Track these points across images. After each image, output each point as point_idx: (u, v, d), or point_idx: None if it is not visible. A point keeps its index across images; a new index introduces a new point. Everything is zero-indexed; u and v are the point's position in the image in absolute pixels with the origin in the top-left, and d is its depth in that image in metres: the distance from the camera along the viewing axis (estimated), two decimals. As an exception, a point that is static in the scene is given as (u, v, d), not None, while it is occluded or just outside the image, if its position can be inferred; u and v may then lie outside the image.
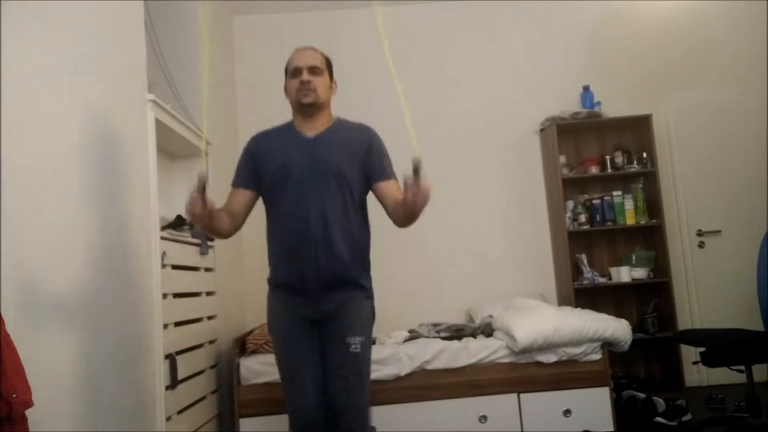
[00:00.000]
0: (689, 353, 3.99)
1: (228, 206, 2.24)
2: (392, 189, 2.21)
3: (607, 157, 4.35)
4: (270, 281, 2.28)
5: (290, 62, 2.25)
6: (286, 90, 2.27)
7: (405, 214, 2.06)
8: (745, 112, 4.46)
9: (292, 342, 2.18)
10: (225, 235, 2.26)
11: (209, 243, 3.23)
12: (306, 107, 2.21)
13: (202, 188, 1.91)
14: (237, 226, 2.26)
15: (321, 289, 2.14)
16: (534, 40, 4.57)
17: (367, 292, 2.25)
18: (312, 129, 2.23)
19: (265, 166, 2.22)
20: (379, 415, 3.15)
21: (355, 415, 2.11)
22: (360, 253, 2.23)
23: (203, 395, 3.02)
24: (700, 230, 4.42)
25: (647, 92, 4.49)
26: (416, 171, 1.81)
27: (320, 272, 2.12)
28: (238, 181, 2.28)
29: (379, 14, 1.94)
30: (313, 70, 2.19)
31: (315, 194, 2.13)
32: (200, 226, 2.13)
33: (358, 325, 2.16)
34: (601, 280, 4.22)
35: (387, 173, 2.24)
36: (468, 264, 4.37)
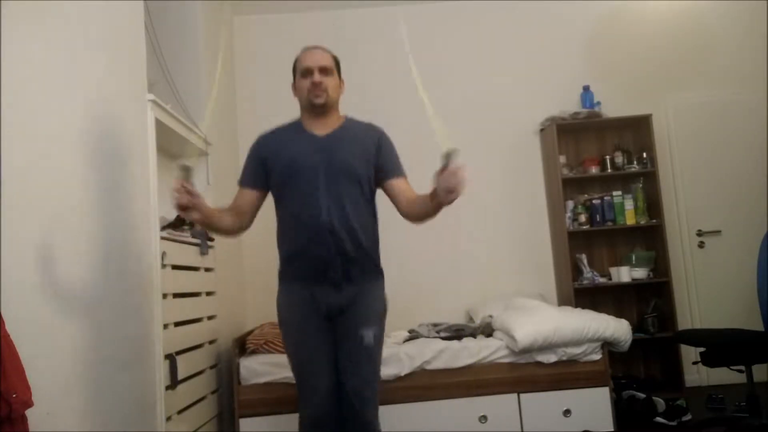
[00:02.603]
0: (689, 353, 3.99)
1: (234, 205, 2.27)
2: (405, 186, 2.27)
3: (607, 157, 4.35)
4: (282, 276, 2.28)
5: (300, 62, 2.26)
6: (296, 89, 2.28)
7: (424, 210, 2.12)
8: (745, 112, 4.46)
9: (305, 334, 2.19)
10: (228, 233, 2.27)
11: (209, 243, 3.23)
12: (317, 107, 2.23)
13: (185, 176, 1.93)
14: (243, 226, 2.27)
15: (335, 281, 2.16)
16: (534, 40, 4.57)
17: (380, 278, 2.29)
18: (323, 128, 2.25)
19: (274, 165, 2.23)
20: (379, 415, 3.15)
21: (368, 408, 2.14)
22: (373, 245, 2.27)
23: (203, 395, 3.02)
24: (700, 230, 4.42)
25: (647, 92, 4.49)
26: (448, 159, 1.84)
27: (337, 265, 2.14)
28: (245, 180, 2.29)
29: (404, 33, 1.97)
30: (324, 71, 2.21)
31: (329, 191, 2.15)
32: (199, 223, 2.13)
33: (371, 317, 2.19)
34: (601, 280, 4.22)
35: (399, 171, 2.29)
36: (468, 264, 4.36)
